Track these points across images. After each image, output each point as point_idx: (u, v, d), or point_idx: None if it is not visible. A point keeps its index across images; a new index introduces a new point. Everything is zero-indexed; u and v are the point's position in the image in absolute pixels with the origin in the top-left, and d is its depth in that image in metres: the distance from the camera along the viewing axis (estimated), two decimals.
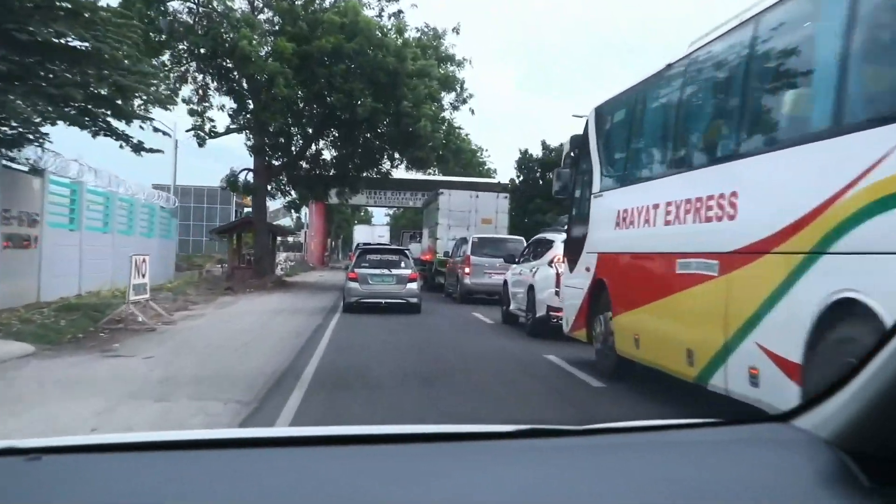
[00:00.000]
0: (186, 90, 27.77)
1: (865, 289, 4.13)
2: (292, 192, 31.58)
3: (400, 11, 25.80)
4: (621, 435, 1.49)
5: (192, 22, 25.35)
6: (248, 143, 28.17)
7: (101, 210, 17.99)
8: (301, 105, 27.63)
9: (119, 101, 13.70)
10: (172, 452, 1.34)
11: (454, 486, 1.18)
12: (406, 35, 25.32)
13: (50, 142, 13.39)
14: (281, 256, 41.09)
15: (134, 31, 13.22)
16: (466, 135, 25.88)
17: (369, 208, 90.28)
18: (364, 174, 30.37)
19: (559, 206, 41.33)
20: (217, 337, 11.28)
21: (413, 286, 16.90)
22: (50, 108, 11.85)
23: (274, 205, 42.94)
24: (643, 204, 7.59)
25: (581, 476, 1.25)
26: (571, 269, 9.72)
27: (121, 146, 14.36)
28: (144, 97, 15.09)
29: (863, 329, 4.10)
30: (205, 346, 10.30)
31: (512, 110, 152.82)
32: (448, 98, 26.45)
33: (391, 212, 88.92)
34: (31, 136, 12.69)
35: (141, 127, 25.56)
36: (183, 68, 27.44)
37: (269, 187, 30.83)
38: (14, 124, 12.09)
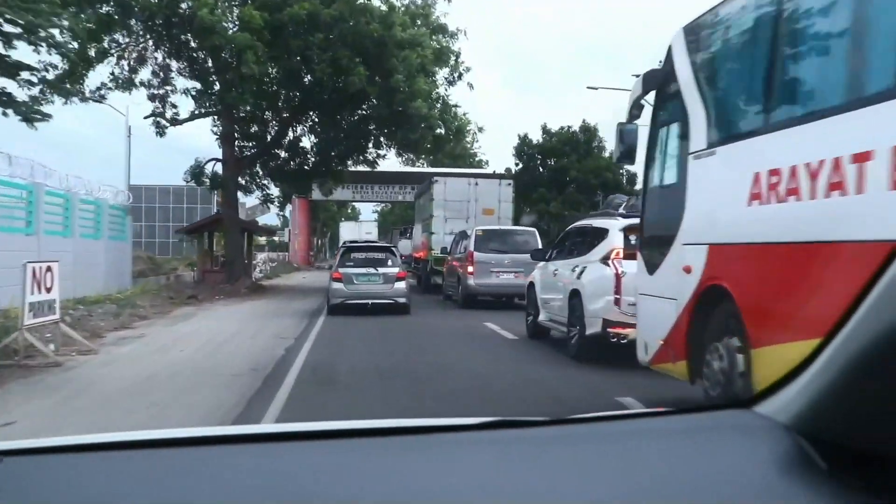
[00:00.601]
0: (146, 73, 24.58)
1: None
2: (269, 186, 28.18)
3: None
4: (585, 425, 1.49)
5: None
6: (215, 128, 24.82)
7: (23, 206, 14.60)
8: (274, 86, 24.32)
9: None
10: (143, 451, 1.32)
11: (420, 479, 1.20)
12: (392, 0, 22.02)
13: None
14: (260, 257, 37.67)
15: None
16: (464, 114, 22.60)
17: (356, 204, 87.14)
18: (349, 162, 27.06)
19: (562, 195, 38.44)
20: (136, 378, 7.95)
21: (401, 285, 16.00)
22: None
23: (252, 201, 39.54)
24: (813, 158, 4.41)
25: (545, 466, 1.26)
26: (653, 269, 6.51)
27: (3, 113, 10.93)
28: (41, 39, 11.56)
29: None
30: (104, 399, 6.91)
31: (499, 109, 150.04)
32: (442, 73, 23.13)
33: (379, 208, 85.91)
34: None
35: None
36: (140, 46, 24.10)
37: (242, 181, 27.49)
38: None
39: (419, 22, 22.11)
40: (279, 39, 20.63)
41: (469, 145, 69.34)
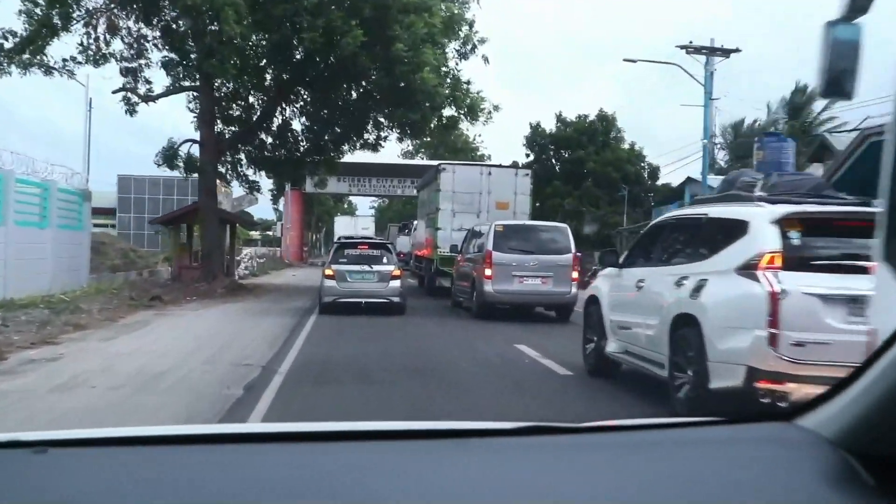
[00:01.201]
0: (119, 45, 21.45)
1: None
2: (257, 173, 24.99)
3: None
4: (623, 433, 1.47)
5: None
6: (191, 104, 21.72)
7: None
8: (261, 59, 21.21)
9: None
10: (173, 447, 1.36)
11: (455, 482, 1.20)
12: None
13: None
14: (246, 252, 34.51)
15: None
16: (478, 92, 19.44)
17: (353, 199, 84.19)
18: (345, 147, 23.95)
19: (578, 189, 35.23)
20: None
21: (396, 284, 15.29)
22: None
23: (240, 190, 36.35)
24: None
25: (582, 473, 1.24)
26: None
27: None
28: None
29: None
30: None
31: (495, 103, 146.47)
32: (452, 45, 19.98)
33: (376, 203, 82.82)
34: None
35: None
36: (108, 11, 20.96)
37: (223, 169, 24.38)
38: None
39: None
40: (264, 4, 17.58)
41: (471, 139, 66.50)
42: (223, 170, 24.32)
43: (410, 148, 67.32)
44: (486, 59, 19.56)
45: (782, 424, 1.38)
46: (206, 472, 1.22)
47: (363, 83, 20.17)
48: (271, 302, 18.05)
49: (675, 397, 5.89)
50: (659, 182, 34.03)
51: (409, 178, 48.36)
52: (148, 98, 21.68)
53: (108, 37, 21.57)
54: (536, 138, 34.86)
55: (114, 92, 21.11)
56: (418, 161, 56.42)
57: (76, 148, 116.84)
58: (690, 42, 18.97)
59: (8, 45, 19.03)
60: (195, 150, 21.69)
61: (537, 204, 30.75)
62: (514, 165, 26.37)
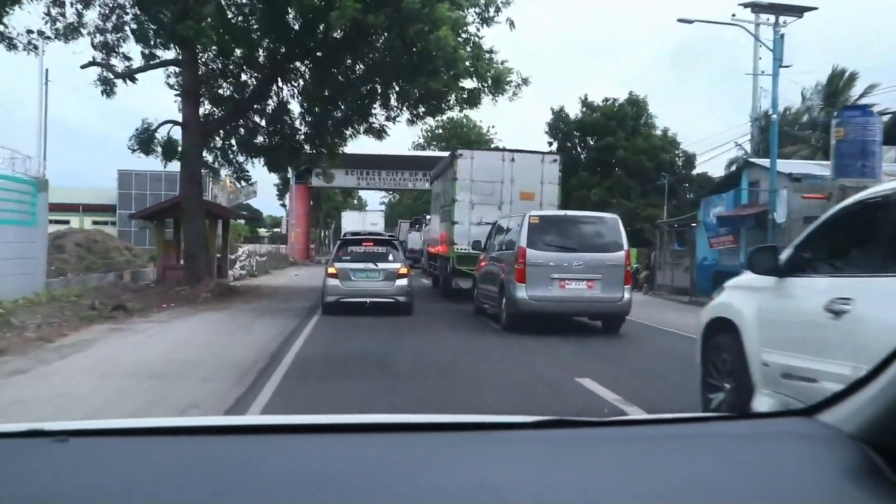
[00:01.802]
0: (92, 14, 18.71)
1: None
2: (249, 161, 22.11)
3: None
4: (643, 427, 1.46)
5: None
6: (170, 80, 18.93)
7: None
8: (250, 28, 18.41)
9: None
10: (190, 437, 1.37)
11: (472, 475, 1.18)
12: None
13: None
14: (243, 250, 31.66)
15: None
16: (503, 62, 16.48)
17: (362, 194, 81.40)
18: (348, 132, 21.08)
19: (608, 179, 31.99)
20: None
21: (403, 283, 14.35)
22: None
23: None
24: None
25: (600, 467, 1.23)
26: None
27: None
28: None
29: None
30: None
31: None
32: (472, 9, 17.00)
33: (387, 199, 80.00)
34: None
35: None
36: None
37: (212, 156, 21.58)
38: None
39: None
40: None
41: (485, 131, 63.51)
42: (211, 157, 21.56)
43: (422, 140, 64.86)
44: (511, 24, 16.55)
45: (803, 420, 1.37)
46: (222, 461, 1.22)
47: (370, 54, 17.25)
48: (262, 310, 15.19)
49: None
50: (696, 171, 31.03)
51: (421, 170, 45.58)
52: (125, 75, 18.92)
53: (79, 8, 18.96)
54: (559, 124, 31.77)
55: (83, 67, 18.34)
56: (430, 153, 53.54)
57: (74, 140, 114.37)
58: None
59: None
60: (177, 134, 18.95)
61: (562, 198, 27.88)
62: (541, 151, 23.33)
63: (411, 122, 19.56)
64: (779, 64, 15.71)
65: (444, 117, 63.22)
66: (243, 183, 23.60)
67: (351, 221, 46.79)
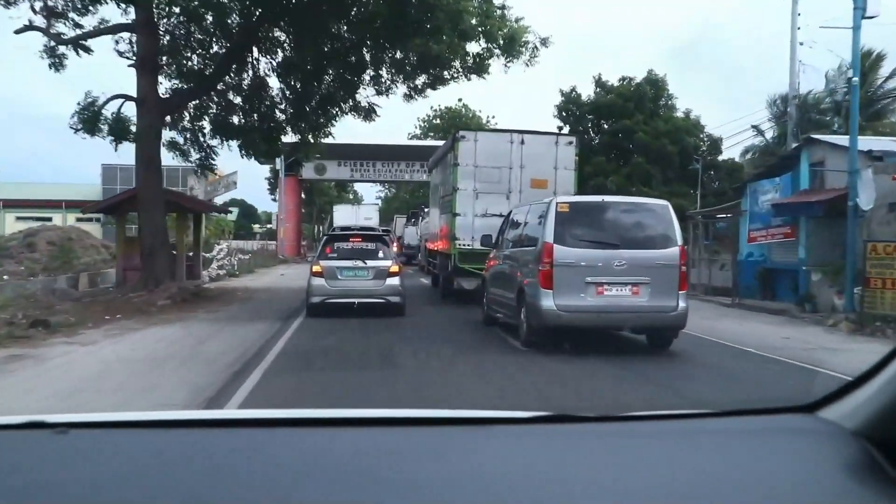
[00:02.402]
0: None
1: None
2: (224, 144, 19.27)
3: None
4: (645, 422, 1.44)
5: None
6: (119, 48, 16.12)
7: None
8: None
9: None
10: (190, 430, 1.39)
11: (471, 469, 1.18)
12: None
13: None
14: (221, 247, 28.84)
15: None
16: (518, 19, 13.71)
17: (357, 189, 78.58)
18: (335, 111, 18.27)
19: (626, 165, 29.26)
20: None
21: (394, 282, 13.31)
22: None
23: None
24: None
25: (601, 461, 1.22)
26: None
27: None
28: None
29: None
30: None
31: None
32: None
33: (382, 193, 77.22)
34: None
35: None
36: None
37: (182, 138, 18.79)
38: None
39: None
40: None
41: (485, 121, 60.71)
42: (182, 139, 18.78)
43: (418, 130, 62.05)
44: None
45: (805, 416, 1.36)
46: (221, 454, 1.22)
47: (356, 9, 14.40)
48: (223, 323, 12.43)
49: None
50: (722, 156, 28.22)
51: (418, 160, 42.86)
52: (70, 41, 16.13)
53: None
54: (570, 107, 28.97)
55: (17, 32, 15.54)
56: (428, 142, 50.72)
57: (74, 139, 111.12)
58: None
59: None
60: (132, 112, 16.16)
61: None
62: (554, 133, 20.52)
63: (409, 96, 16.77)
64: (861, 14, 13.00)
65: (442, 106, 60.73)
66: (218, 173, 20.67)
67: (343, 215, 44.02)
